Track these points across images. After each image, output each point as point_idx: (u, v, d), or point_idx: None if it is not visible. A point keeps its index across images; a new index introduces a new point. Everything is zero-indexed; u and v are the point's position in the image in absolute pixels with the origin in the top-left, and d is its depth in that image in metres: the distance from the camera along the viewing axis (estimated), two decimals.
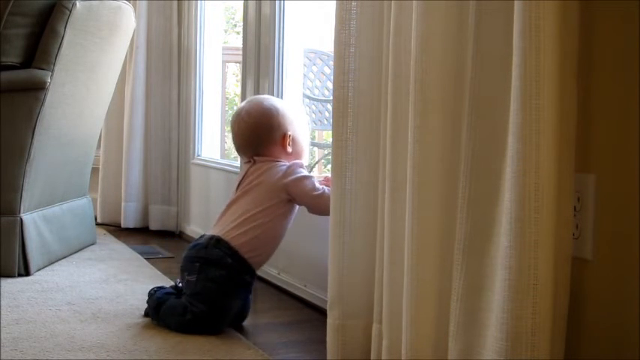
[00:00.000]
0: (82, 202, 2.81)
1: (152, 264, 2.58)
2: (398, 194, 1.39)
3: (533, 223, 1.09)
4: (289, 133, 1.98)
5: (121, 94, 3.33)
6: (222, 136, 3.80)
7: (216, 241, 1.85)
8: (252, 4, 2.55)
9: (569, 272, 1.15)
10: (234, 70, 5.20)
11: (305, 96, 3.72)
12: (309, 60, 3.86)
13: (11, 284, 2.21)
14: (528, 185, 1.09)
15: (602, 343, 1.14)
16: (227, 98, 5.09)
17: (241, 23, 2.71)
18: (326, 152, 4.21)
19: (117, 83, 2.91)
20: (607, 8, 1.14)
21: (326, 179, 1.92)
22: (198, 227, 3.10)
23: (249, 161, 1.99)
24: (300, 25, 2.48)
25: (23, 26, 2.34)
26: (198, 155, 3.26)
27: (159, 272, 2.44)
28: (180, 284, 1.91)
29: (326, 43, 4.11)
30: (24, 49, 2.34)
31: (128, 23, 2.75)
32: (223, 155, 3.62)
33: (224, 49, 3.63)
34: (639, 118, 1.08)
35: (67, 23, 2.35)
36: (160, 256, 2.81)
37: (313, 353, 1.70)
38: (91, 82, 2.61)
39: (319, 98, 3.87)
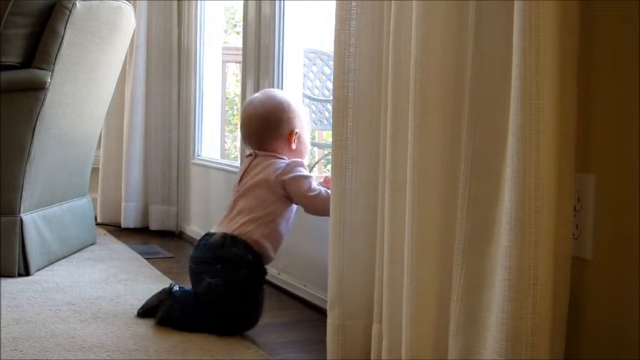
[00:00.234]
0: (82, 202, 2.81)
1: (152, 264, 2.58)
2: (398, 194, 1.39)
3: (533, 223, 1.09)
4: (297, 130, 1.98)
5: (121, 94, 3.33)
6: (222, 136, 3.80)
7: (232, 239, 1.84)
8: (252, 4, 2.55)
9: (569, 272, 1.15)
10: (234, 70, 5.19)
11: (305, 96, 3.72)
12: (309, 60, 3.86)
13: (11, 284, 2.21)
14: (528, 185, 1.09)
15: (602, 343, 1.13)
16: (227, 98, 5.08)
17: (241, 23, 2.71)
18: (326, 152, 4.21)
19: (117, 83, 2.91)
20: (607, 8, 1.14)
21: (326, 180, 1.93)
22: (198, 227, 3.10)
23: (251, 155, 2.00)
24: (300, 25, 2.48)
25: (23, 26, 2.34)
26: (198, 155, 3.26)
27: (159, 272, 2.43)
28: (178, 287, 1.89)
29: (326, 43, 4.11)
30: (24, 49, 2.34)
31: (128, 23, 2.74)
32: (223, 155, 3.62)
33: (224, 49, 3.62)
34: (639, 118, 1.08)
35: (67, 23, 2.35)
36: (160, 256, 2.80)
37: (313, 353, 1.70)
38: (91, 82, 2.61)
39: (319, 98, 3.87)
